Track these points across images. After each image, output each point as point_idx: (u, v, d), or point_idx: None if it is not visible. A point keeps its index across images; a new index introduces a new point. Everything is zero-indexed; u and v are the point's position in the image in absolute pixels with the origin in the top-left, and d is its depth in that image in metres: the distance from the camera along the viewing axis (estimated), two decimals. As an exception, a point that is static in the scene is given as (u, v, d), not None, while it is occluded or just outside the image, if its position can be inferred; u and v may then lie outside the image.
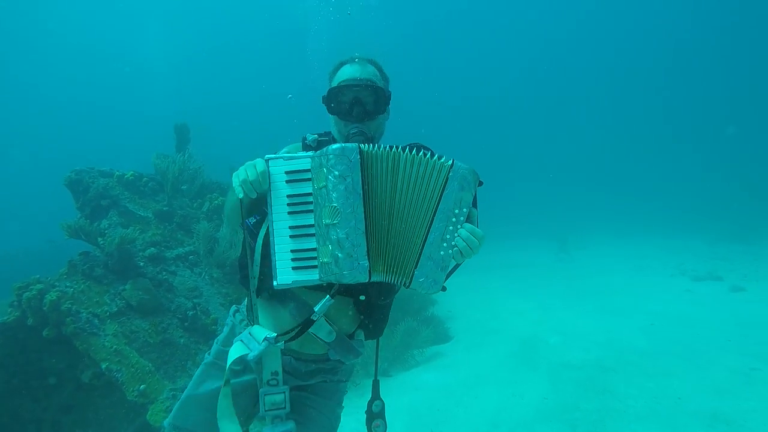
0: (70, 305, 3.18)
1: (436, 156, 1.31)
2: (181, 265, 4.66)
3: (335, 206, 1.27)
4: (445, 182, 1.29)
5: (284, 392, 1.42)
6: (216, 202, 5.69)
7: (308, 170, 1.32)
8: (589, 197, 20.90)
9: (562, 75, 37.48)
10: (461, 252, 1.30)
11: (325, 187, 1.28)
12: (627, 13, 33.69)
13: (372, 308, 1.54)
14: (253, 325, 1.48)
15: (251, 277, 1.45)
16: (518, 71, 38.55)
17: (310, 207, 1.32)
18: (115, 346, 3.19)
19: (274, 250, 1.33)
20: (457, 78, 37.51)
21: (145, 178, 5.00)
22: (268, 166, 1.35)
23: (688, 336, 5.23)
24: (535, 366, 4.59)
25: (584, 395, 3.90)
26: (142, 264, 4.17)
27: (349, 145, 1.29)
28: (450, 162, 1.30)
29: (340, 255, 1.27)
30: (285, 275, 1.33)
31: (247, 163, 1.37)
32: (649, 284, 8.21)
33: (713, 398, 3.74)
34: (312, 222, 1.32)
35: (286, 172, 1.34)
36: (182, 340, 3.94)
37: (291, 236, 1.33)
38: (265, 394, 1.41)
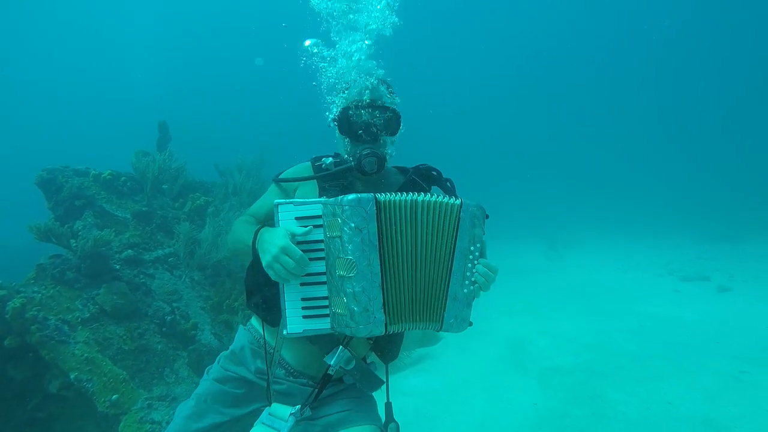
0: (36, 312, 3.01)
1: (445, 198, 1.31)
2: (160, 267, 4.50)
3: (350, 259, 1.23)
4: (458, 222, 1.31)
5: None
6: (198, 202, 5.53)
7: (319, 216, 1.29)
8: (578, 196, 20.99)
9: (551, 75, 37.58)
10: (480, 287, 1.33)
11: (340, 238, 1.25)
12: (610, 12, 33.87)
13: (385, 338, 1.54)
14: (269, 378, 1.50)
15: (282, 317, 1.36)
16: (506, 71, 38.59)
17: (321, 255, 1.29)
18: (86, 354, 3.03)
19: (284, 297, 1.31)
20: (443, 77, 37.50)
21: (124, 178, 4.82)
22: (277, 211, 1.31)
23: (678, 338, 5.20)
24: (525, 370, 4.52)
25: (574, 401, 3.83)
26: (118, 267, 4.01)
27: (364, 196, 1.25)
28: (459, 202, 1.31)
29: (356, 309, 1.25)
30: (295, 324, 1.30)
31: (274, 249, 1.26)
32: (638, 284, 8.20)
33: (703, 403, 3.69)
34: (323, 270, 1.29)
35: (297, 218, 1.30)
36: (160, 346, 3.79)
37: (302, 284, 1.30)
38: None
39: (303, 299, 1.30)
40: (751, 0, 29.04)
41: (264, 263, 1.28)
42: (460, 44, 36.50)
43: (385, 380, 1.62)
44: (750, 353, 4.73)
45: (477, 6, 34.45)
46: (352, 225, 1.23)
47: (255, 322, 1.64)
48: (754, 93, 32.34)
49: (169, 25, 33.67)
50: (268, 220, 1.52)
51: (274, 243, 1.25)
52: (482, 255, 1.36)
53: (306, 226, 1.29)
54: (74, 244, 3.60)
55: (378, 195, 1.27)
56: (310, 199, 1.32)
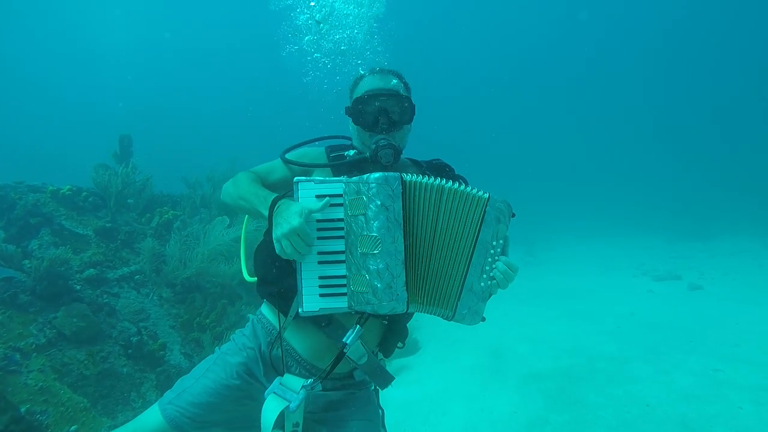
0: (-17, 340, 2.81)
1: (474, 189, 1.31)
2: (125, 286, 4.30)
3: (375, 236, 1.23)
4: (483, 215, 1.29)
5: None
6: (166, 216, 5.34)
7: (340, 195, 1.29)
8: (555, 200, 21.36)
9: (526, 80, 38.30)
10: (499, 284, 1.31)
11: (364, 215, 1.24)
12: (589, 18, 34.79)
13: (395, 329, 1.55)
14: (279, 352, 1.49)
15: (298, 296, 1.36)
16: (483, 74, 39.13)
17: (340, 233, 1.29)
18: (40, 384, 2.84)
19: (301, 276, 1.29)
20: (423, 78, 37.72)
21: (85, 193, 4.61)
22: (297, 189, 1.30)
23: (653, 338, 5.26)
24: (504, 377, 4.48)
25: (554, 407, 3.80)
26: (78, 287, 3.80)
27: (390, 174, 1.25)
28: (487, 195, 1.30)
29: (379, 285, 1.23)
30: (312, 303, 1.29)
31: (287, 226, 1.24)
32: (614, 286, 8.33)
33: (680, 404, 3.70)
34: (342, 249, 1.29)
35: (317, 197, 1.29)
36: (125, 369, 3.60)
37: (320, 262, 1.29)
38: None
39: (320, 277, 1.29)
40: (728, 10, 30.34)
41: (274, 235, 1.27)
42: (438, 46, 36.79)
43: (393, 377, 1.62)
44: (722, 350, 4.81)
45: (452, 9, 34.68)
46: (378, 202, 1.23)
47: (265, 310, 1.63)
48: (724, 98, 33.69)
49: (135, 37, 32.86)
50: (273, 189, 1.46)
51: (289, 221, 1.24)
52: (504, 253, 1.34)
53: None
54: (28, 265, 3.39)
55: (404, 174, 1.27)
56: (331, 178, 1.31)
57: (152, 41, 32.89)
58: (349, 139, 1.70)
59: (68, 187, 4.45)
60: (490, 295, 1.34)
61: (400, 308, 1.26)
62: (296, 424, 1.41)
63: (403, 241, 1.26)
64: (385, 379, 1.57)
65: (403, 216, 1.26)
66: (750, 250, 10.40)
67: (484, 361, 4.95)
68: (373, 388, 1.67)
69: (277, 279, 1.47)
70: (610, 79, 36.76)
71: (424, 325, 6.25)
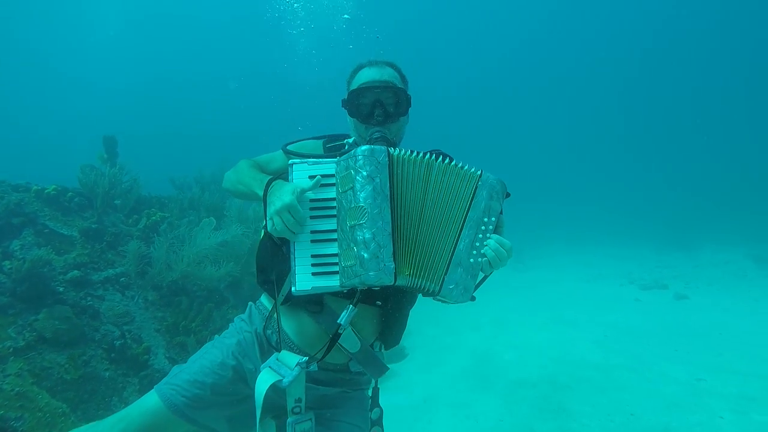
0: (-42, 344, 2.74)
1: (466, 166, 1.34)
2: (110, 288, 4.24)
3: (362, 206, 1.25)
4: (474, 190, 1.32)
5: (311, 419, 1.43)
6: (154, 217, 5.28)
7: (332, 175, 1.32)
8: (544, 208, 21.51)
9: (512, 85, 38.40)
10: (490, 262, 1.32)
11: (352, 188, 1.27)
12: (569, 28, 35.20)
13: (392, 317, 1.54)
14: (274, 335, 1.51)
15: (278, 282, 1.45)
16: (465, 80, 39.14)
17: (333, 212, 1.32)
18: (17, 389, 2.78)
19: (295, 255, 1.31)
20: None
21: (71, 193, 4.54)
22: (292, 171, 1.34)
23: (639, 347, 5.30)
24: (490, 385, 4.48)
25: (540, 415, 3.81)
26: (61, 289, 3.74)
27: (377, 147, 1.30)
28: (479, 172, 1.34)
29: (365, 255, 1.23)
30: (304, 281, 1.29)
31: (279, 203, 1.29)
32: (601, 294, 8.40)
33: (664, 412, 3.74)
34: (334, 227, 1.31)
35: (310, 177, 1.33)
36: (107, 373, 3.54)
37: (312, 241, 1.31)
38: (295, 423, 1.40)
39: (313, 256, 1.30)
40: (708, 20, 30.95)
41: (267, 213, 1.31)
42: (413, 51, 36.83)
43: (387, 366, 1.63)
44: (705, 360, 4.87)
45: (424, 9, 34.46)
46: (364, 173, 1.26)
47: (263, 298, 1.67)
48: (709, 110, 34.29)
49: (123, 37, 32.47)
50: (273, 176, 1.49)
51: (281, 198, 1.28)
52: (501, 233, 1.37)
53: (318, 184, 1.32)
54: (8, 266, 3.33)
55: (390, 148, 1.31)
56: (324, 159, 1.35)
57: (139, 41, 32.63)
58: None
59: (53, 186, 4.38)
60: (483, 275, 1.36)
61: (387, 279, 1.24)
62: (299, 400, 1.41)
63: (390, 211, 1.27)
64: (380, 369, 1.58)
65: (390, 187, 1.28)
66: (734, 261, 10.57)
67: (471, 367, 4.96)
68: (370, 392, 1.68)
69: (273, 265, 1.48)
70: (598, 90, 37.21)
71: (412, 331, 6.23)
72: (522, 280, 9.84)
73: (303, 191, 1.29)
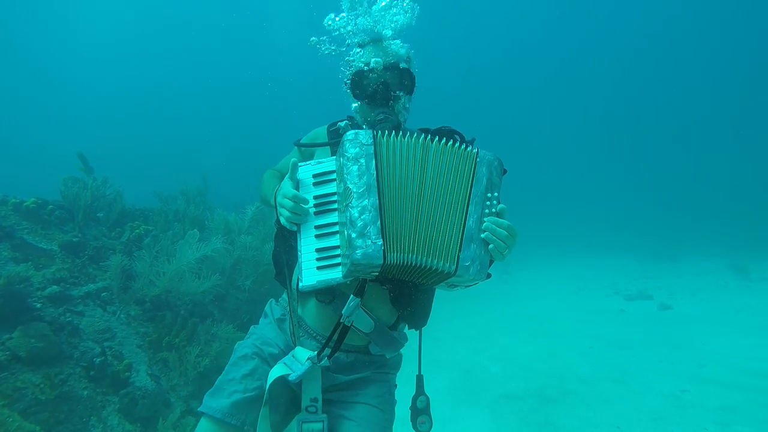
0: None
1: (462, 145, 1.35)
2: (90, 303, 4.14)
3: (348, 187, 1.27)
4: (474, 167, 1.33)
5: (323, 420, 1.41)
6: (138, 230, 5.20)
7: (333, 171, 1.37)
8: (530, 219, 21.70)
9: (496, 94, 38.56)
10: (501, 241, 1.30)
11: (341, 174, 1.30)
12: (555, 36, 35.76)
13: (409, 295, 1.49)
14: (294, 325, 1.51)
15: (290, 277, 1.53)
16: (456, 85, 39.31)
17: (334, 206, 1.34)
18: (-12, 411, 2.68)
19: (301, 251, 1.35)
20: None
21: (51, 206, 4.45)
22: (297, 172, 1.39)
23: (624, 359, 5.34)
24: (478, 398, 4.47)
25: (527, 429, 3.81)
26: (39, 305, 3.64)
27: (362, 131, 1.33)
28: (475, 150, 1.36)
29: (353, 234, 1.24)
30: (310, 276, 1.33)
31: (279, 197, 1.40)
32: (587, 306, 8.45)
33: (649, 425, 3.76)
34: (336, 220, 1.33)
35: (314, 176, 1.39)
36: (86, 392, 3.44)
37: (316, 235, 1.35)
38: (303, 422, 1.39)
39: (317, 249, 1.33)
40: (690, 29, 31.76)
41: (276, 205, 1.41)
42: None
43: (403, 344, 1.62)
44: (689, 371, 4.92)
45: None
46: (349, 155, 1.29)
47: (285, 293, 1.67)
48: (691, 122, 35.07)
49: (108, 46, 32.13)
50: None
51: (279, 192, 1.39)
52: (501, 215, 1.36)
53: (320, 181, 1.37)
54: (-16, 283, 3.24)
55: (377, 131, 1.33)
56: (326, 158, 1.41)
57: (125, 48, 32.36)
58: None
59: (33, 199, 4.29)
60: (491, 261, 1.34)
61: (377, 258, 1.21)
62: (314, 399, 1.42)
63: (377, 190, 1.27)
64: (395, 348, 1.57)
65: (377, 167, 1.28)
66: (715, 271, 10.75)
67: (458, 381, 4.93)
68: (393, 373, 1.67)
69: (285, 259, 1.53)
70: (580, 100, 37.72)
71: (399, 344, 6.21)
72: (509, 292, 9.89)
73: (298, 181, 1.38)
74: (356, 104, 1.60)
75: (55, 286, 3.81)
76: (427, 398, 1.66)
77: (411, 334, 1.71)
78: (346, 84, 1.59)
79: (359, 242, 1.22)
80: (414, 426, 1.63)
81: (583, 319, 7.37)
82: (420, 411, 1.64)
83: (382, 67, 1.53)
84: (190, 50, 32.00)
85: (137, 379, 3.85)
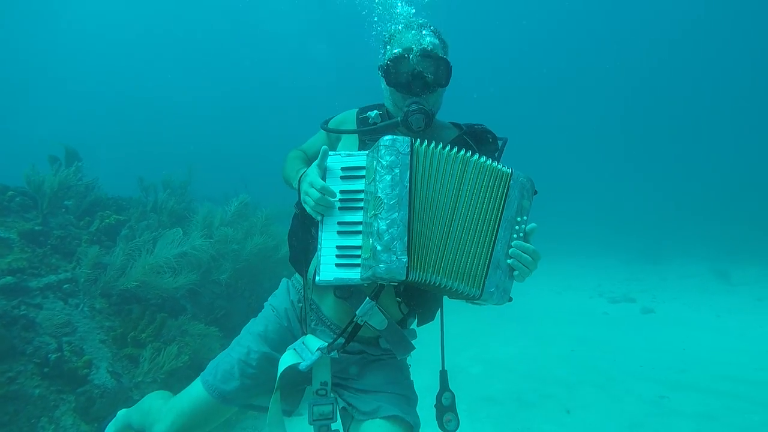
0: None
1: (494, 163, 1.31)
2: (50, 296, 3.93)
3: (380, 197, 1.23)
4: (507, 189, 1.29)
5: (332, 403, 1.43)
6: (108, 220, 4.98)
7: (363, 167, 1.33)
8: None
9: (486, 93, 38.69)
10: (525, 267, 1.31)
11: (374, 179, 1.25)
12: (547, 38, 35.85)
13: (422, 294, 1.48)
14: (306, 312, 1.51)
15: (309, 268, 1.52)
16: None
17: (360, 204, 1.31)
18: None
19: (321, 244, 1.32)
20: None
21: (12, 192, 4.23)
22: (326, 160, 1.36)
23: (605, 363, 5.27)
24: (456, 401, 4.35)
25: (503, 435, 3.70)
26: (-9, 298, 3.43)
27: (400, 138, 1.26)
28: (509, 170, 1.31)
29: (378, 247, 1.20)
30: (328, 272, 1.31)
31: (304, 185, 1.38)
32: (571, 307, 8.42)
33: (627, 433, 3.68)
34: (361, 219, 1.30)
35: (342, 168, 1.35)
36: (37, 391, 3.25)
37: (339, 232, 1.32)
38: (313, 405, 1.41)
39: (338, 247, 1.31)
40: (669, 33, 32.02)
41: (301, 192, 1.39)
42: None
43: (414, 347, 1.62)
44: (669, 376, 4.86)
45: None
46: (384, 163, 1.23)
47: (299, 275, 1.64)
48: (679, 123, 35.41)
49: (101, 34, 31.44)
50: (316, 158, 1.47)
51: (305, 180, 1.36)
52: (527, 240, 1.34)
53: (348, 176, 1.34)
54: (-73, 273, 3.02)
55: (415, 140, 1.27)
56: (357, 152, 1.36)
57: (119, 37, 31.68)
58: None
59: (-9, 185, 4.06)
60: (514, 278, 1.32)
61: (399, 274, 1.19)
62: (324, 383, 1.42)
63: (408, 204, 1.22)
64: (405, 349, 1.54)
65: (411, 179, 1.23)
66: (698, 275, 10.80)
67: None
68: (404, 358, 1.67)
69: (304, 245, 1.52)
70: (568, 103, 37.88)
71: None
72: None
73: (326, 169, 1.35)
74: (387, 89, 1.55)
75: (9, 277, 3.61)
76: (453, 394, 1.62)
77: (428, 328, 1.70)
78: (380, 68, 1.54)
79: (384, 257, 1.19)
80: (440, 425, 1.58)
81: (566, 320, 7.32)
82: (446, 408, 1.60)
83: (419, 54, 1.46)
84: (189, 50, 31.54)
85: (96, 377, 3.65)
